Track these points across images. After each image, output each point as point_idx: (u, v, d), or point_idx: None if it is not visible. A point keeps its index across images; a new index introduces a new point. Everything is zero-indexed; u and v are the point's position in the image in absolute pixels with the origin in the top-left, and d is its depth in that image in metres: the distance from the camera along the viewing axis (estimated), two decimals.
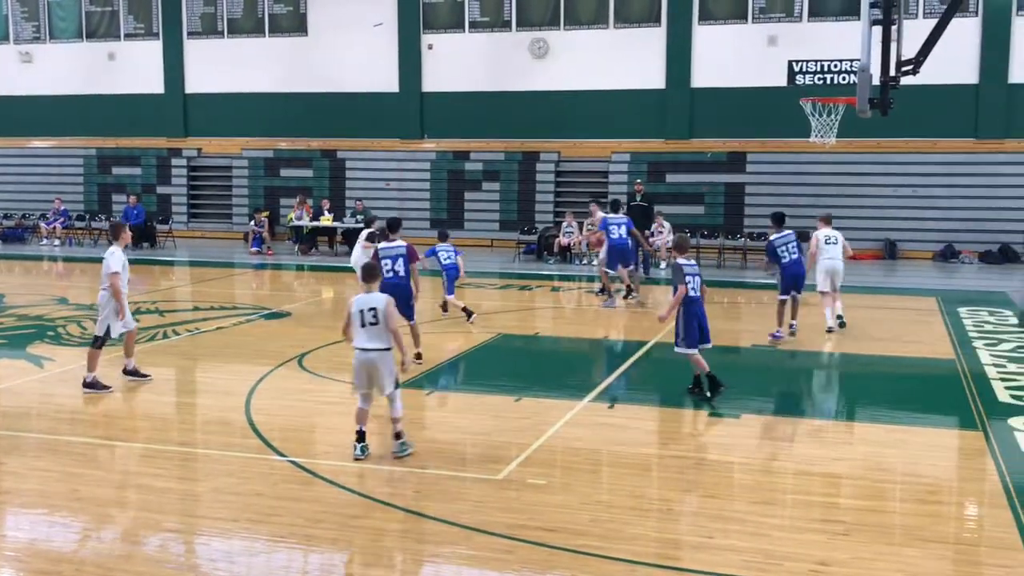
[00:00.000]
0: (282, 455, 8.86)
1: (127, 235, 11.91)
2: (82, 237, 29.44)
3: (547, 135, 28.11)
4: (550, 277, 22.03)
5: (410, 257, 12.38)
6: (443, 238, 16.09)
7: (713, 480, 8.40)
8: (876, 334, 15.19)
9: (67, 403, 10.97)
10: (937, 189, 25.27)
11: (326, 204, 27.21)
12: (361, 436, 8.81)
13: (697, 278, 11.00)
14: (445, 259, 15.58)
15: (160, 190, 31.03)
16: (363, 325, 8.71)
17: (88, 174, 31.62)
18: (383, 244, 12.64)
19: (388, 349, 8.75)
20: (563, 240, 24.54)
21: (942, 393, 11.67)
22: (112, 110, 31.20)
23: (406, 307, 11.99)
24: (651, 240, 22.94)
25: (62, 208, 29.29)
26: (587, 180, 27.83)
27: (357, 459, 8.66)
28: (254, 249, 26.46)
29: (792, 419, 10.73)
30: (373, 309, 8.71)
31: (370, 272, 9.25)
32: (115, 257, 11.20)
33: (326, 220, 26.59)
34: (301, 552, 6.87)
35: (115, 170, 31.45)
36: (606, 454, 9.19)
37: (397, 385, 8.84)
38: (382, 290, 11.38)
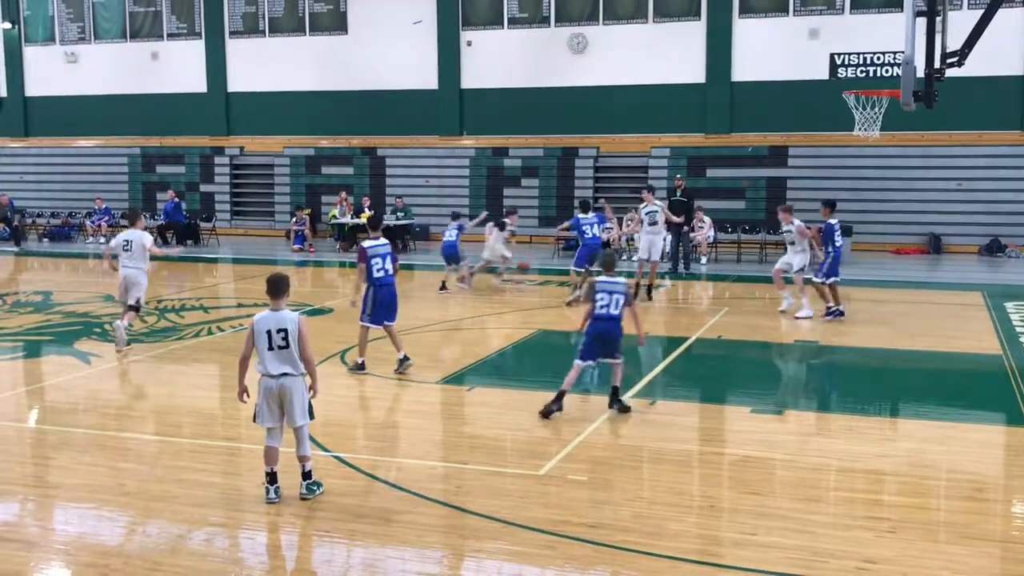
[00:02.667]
0: (325, 450, 8.92)
1: (142, 221, 14.04)
2: None
3: (586, 130, 28.05)
4: (589, 273, 21.92)
5: (396, 256, 12.04)
6: (585, 208, 17.19)
7: (756, 477, 8.34)
8: (921, 329, 15.01)
9: (114, 399, 11.13)
10: (983, 182, 24.90)
11: (367, 201, 27.36)
12: (272, 478, 7.66)
13: (616, 296, 10.17)
14: (587, 232, 16.74)
15: (203, 188, 31.38)
16: (270, 348, 7.62)
17: (133, 173, 32.07)
18: (368, 242, 11.87)
19: (299, 375, 7.69)
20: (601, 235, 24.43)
21: (989, 389, 11.51)
22: (156, 109, 31.58)
23: (391, 309, 11.89)
24: (691, 235, 22.84)
25: (104, 207, 29.69)
26: (626, 175, 27.74)
27: (271, 502, 7.59)
28: (296, 246, 26.66)
29: (835, 415, 10.64)
30: (283, 331, 7.64)
31: (276, 286, 7.87)
32: (147, 237, 13.64)
33: (366, 217, 26.73)
34: (344, 547, 6.91)
35: (159, 169, 31.87)
36: (647, 450, 9.16)
37: (311, 417, 7.78)
38: (379, 290, 11.71)
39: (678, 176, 24.40)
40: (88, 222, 29.60)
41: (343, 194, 27.72)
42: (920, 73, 14.70)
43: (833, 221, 15.72)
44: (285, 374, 7.63)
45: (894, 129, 21.60)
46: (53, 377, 12.10)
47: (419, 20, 29.00)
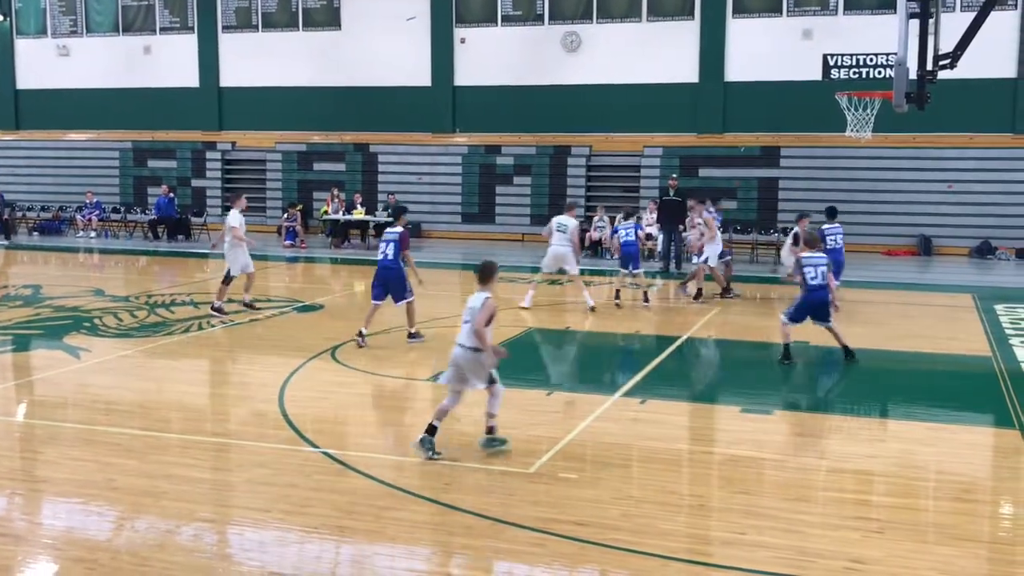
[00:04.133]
0: (315, 446, 8.92)
1: (243, 201, 16.68)
2: (117, 229, 29.74)
3: (579, 129, 28.06)
4: (580, 272, 21.94)
5: (402, 244, 13.27)
6: (628, 216, 17.38)
7: (745, 476, 8.35)
8: (911, 331, 15.06)
9: (103, 393, 11.10)
10: (973, 184, 24.97)
11: (358, 198, 27.33)
12: (432, 431, 8.57)
13: (821, 268, 12.28)
14: (624, 236, 16.74)
15: (195, 183, 31.31)
16: (465, 322, 8.72)
17: (124, 167, 31.97)
18: (388, 229, 13.75)
19: (477, 349, 8.56)
20: (593, 235, 24.48)
21: (978, 391, 11.55)
22: (147, 103, 31.50)
23: (399, 287, 13.29)
24: (684, 235, 22.80)
25: (95, 201, 29.60)
26: (619, 175, 27.77)
27: (430, 459, 8.41)
28: (287, 242, 26.61)
29: (825, 415, 10.67)
30: (471, 308, 8.66)
31: (480, 272, 8.94)
32: (234, 216, 15.90)
33: (359, 213, 26.74)
34: (333, 543, 6.91)
35: (151, 163, 31.79)
36: (637, 449, 9.17)
37: (492, 381, 8.71)
38: (377, 271, 13.25)
39: (672, 176, 24.42)
40: (79, 216, 29.50)
41: (335, 190, 27.68)
42: (912, 75, 14.75)
43: (826, 227, 16.46)
44: (464, 346, 8.63)
45: (886, 131, 21.68)
46: (42, 371, 12.07)
47: (413, 17, 28.97)
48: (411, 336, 13.52)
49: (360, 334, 13.19)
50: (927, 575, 6.40)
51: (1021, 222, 24.48)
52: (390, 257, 13.21)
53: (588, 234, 24.50)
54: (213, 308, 15.45)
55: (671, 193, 22.67)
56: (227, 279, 15.68)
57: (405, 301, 13.37)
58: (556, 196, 27.75)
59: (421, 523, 7.29)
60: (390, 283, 13.30)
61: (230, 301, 15.81)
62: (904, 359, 13.28)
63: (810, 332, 14.16)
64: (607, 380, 12.06)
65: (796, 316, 12.54)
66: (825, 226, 16.59)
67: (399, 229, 13.45)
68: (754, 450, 9.10)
